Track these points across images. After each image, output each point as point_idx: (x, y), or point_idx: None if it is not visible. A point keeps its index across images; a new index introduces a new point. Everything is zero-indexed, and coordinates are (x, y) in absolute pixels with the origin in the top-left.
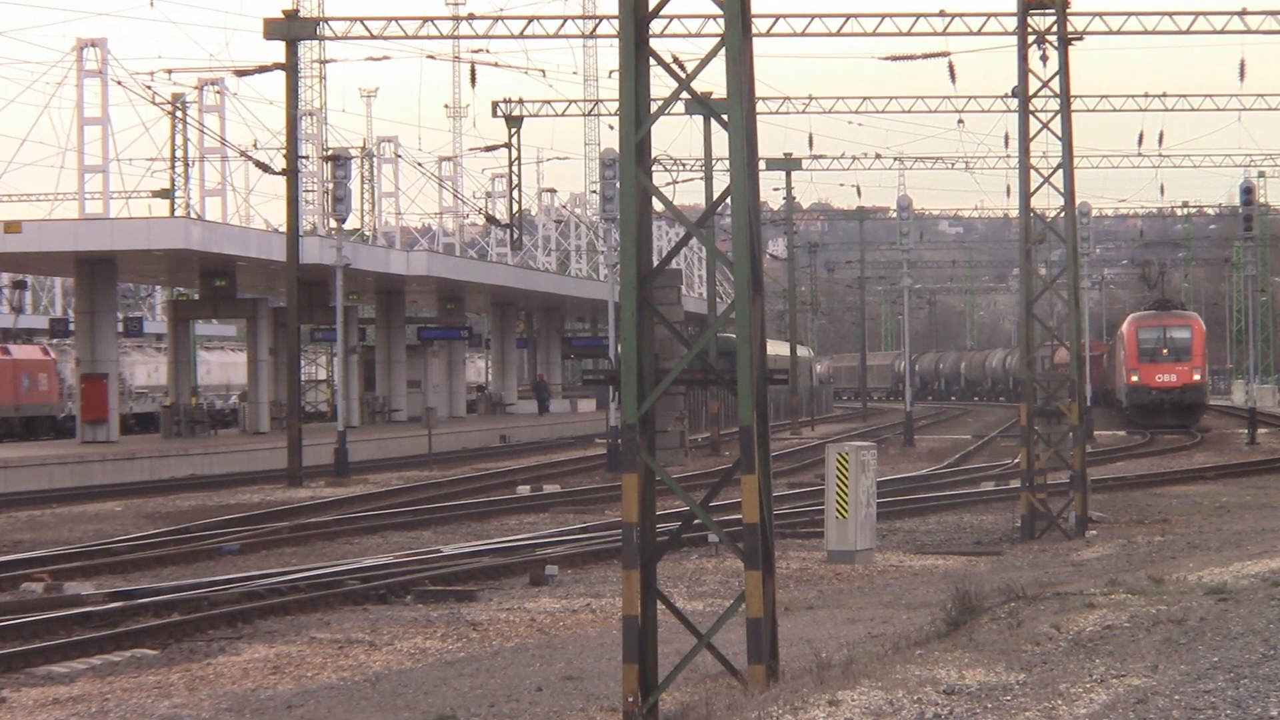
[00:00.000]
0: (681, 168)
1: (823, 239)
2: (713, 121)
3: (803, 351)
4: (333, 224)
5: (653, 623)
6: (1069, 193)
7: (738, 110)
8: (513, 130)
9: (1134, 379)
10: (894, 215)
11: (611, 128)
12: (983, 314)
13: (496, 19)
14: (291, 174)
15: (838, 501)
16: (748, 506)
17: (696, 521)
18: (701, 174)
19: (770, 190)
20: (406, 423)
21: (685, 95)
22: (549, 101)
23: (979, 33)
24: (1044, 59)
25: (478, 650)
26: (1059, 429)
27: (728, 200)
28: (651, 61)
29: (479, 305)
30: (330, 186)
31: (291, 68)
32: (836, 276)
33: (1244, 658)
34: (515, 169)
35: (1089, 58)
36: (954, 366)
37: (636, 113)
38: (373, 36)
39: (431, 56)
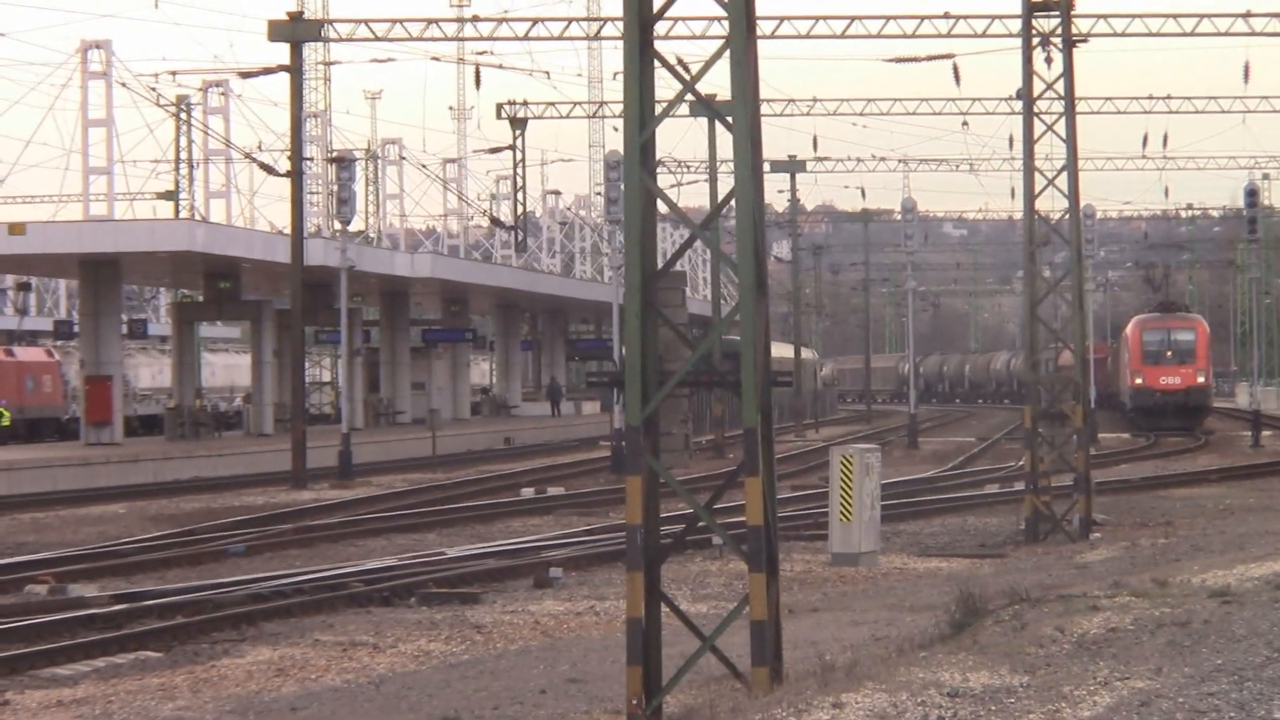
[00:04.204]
0: (686, 170)
1: (827, 241)
2: (717, 123)
3: (807, 354)
4: (337, 226)
5: (657, 625)
6: (1073, 195)
7: (742, 112)
8: (517, 132)
9: (1138, 381)
10: (899, 217)
11: (616, 130)
12: (987, 316)
13: (501, 21)
14: (296, 176)
15: (842, 504)
16: (752, 509)
17: (701, 524)
18: (706, 176)
19: (775, 192)
20: (411, 425)
21: (690, 97)
22: (553, 103)
23: (984, 35)
24: (1049, 61)
25: (482, 653)
26: (1063, 431)
27: (732, 202)
28: (656, 64)
29: (483, 307)
30: (335, 188)
31: (296, 69)
32: (841, 279)
33: (1248, 660)
34: (520, 171)
35: (1094, 60)
36: (958, 369)
37: (641, 115)
38: (377, 38)
39: (436, 58)
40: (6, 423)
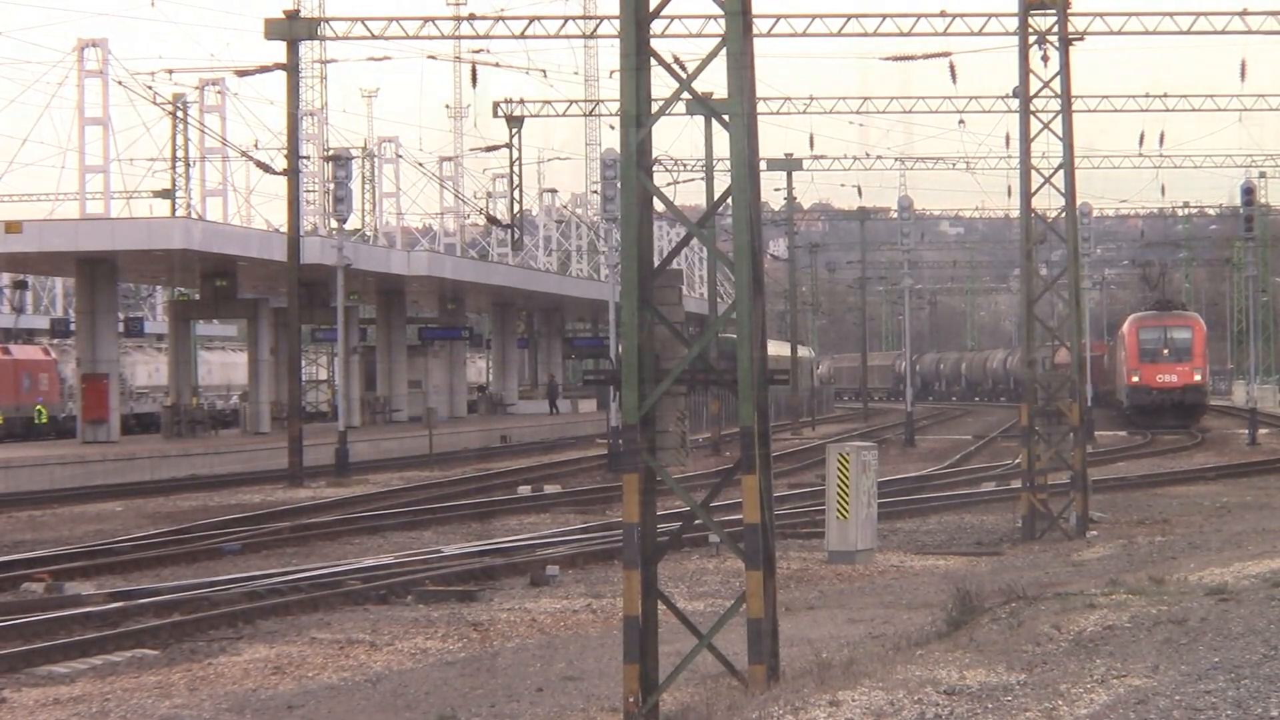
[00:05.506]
0: (682, 168)
1: (824, 239)
2: (714, 122)
3: (804, 351)
4: (334, 224)
5: (653, 623)
6: (1070, 193)
7: (739, 110)
8: (513, 130)
9: (1135, 379)
10: (895, 215)
11: (612, 128)
12: (983, 314)
13: (497, 19)
14: (292, 174)
15: (838, 502)
16: (748, 507)
17: (697, 522)
18: (702, 174)
19: (771, 190)
20: (407, 423)
21: (686, 95)
22: (550, 102)
23: (980, 33)
24: (1045, 59)
25: (478, 650)
26: (1060, 429)
27: (729, 200)
28: (652, 62)
29: (480, 305)
30: (331, 187)
31: (292, 68)
32: (837, 277)
33: (1245, 658)
34: (516, 169)
35: (1090, 58)
36: (955, 367)
37: (637, 113)
38: (374, 37)
39: (432, 57)
40: (44, 419)
